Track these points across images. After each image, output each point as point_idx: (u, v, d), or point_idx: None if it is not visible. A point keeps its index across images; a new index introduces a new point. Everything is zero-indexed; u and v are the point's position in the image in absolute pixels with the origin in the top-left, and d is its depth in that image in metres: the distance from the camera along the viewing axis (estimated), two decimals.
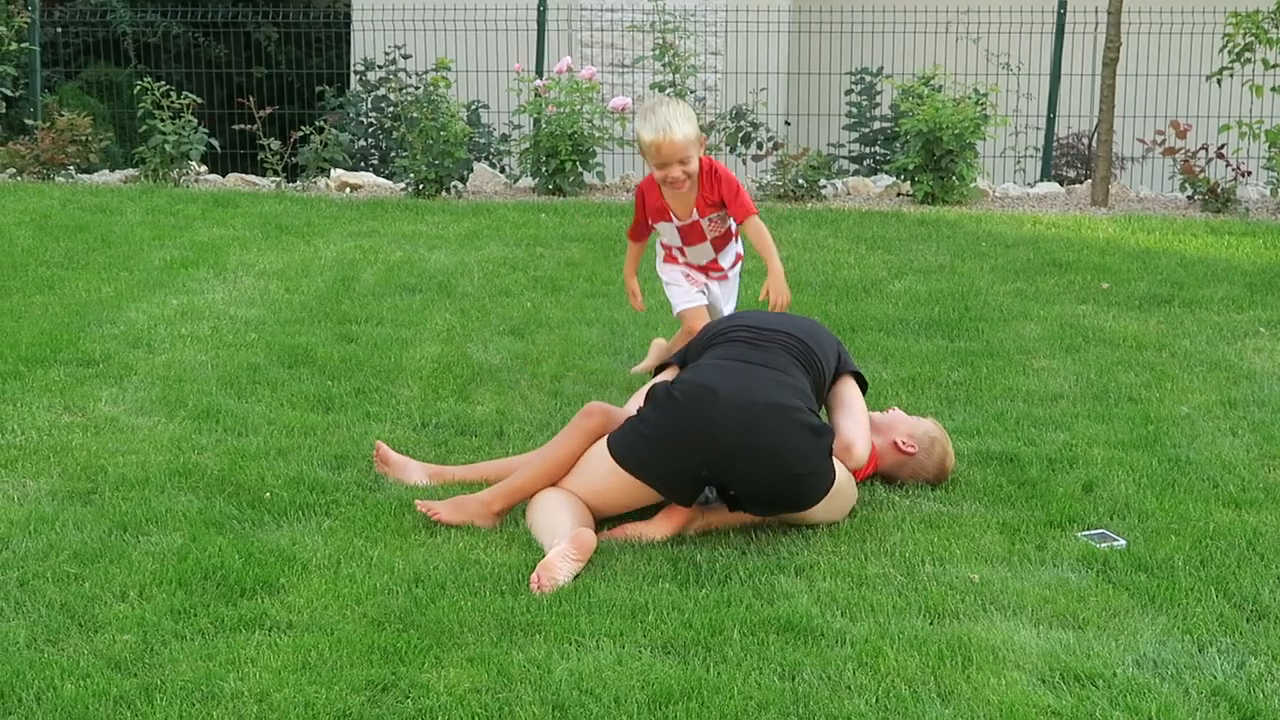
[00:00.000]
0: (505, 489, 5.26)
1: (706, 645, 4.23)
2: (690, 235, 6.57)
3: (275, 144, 13.08)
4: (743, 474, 5.04)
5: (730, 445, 4.98)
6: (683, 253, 6.66)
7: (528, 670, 4.06)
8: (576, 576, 4.71)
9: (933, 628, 4.38)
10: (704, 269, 6.70)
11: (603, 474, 5.19)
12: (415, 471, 5.56)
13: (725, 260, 6.71)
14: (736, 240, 6.72)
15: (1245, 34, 12.63)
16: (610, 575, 4.70)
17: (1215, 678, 4.09)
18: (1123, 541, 5.07)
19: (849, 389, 5.63)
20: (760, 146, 13.54)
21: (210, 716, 3.80)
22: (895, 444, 5.68)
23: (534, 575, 4.70)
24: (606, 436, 5.24)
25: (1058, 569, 4.84)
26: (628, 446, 5.14)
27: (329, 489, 5.44)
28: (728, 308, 6.72)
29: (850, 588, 4.66)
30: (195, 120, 13.02)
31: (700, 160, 6.35)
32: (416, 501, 5.21)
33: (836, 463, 5.24)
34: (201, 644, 4.20)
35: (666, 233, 6.62)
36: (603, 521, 5.17)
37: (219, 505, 5.24)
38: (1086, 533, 5.16)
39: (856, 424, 5.48)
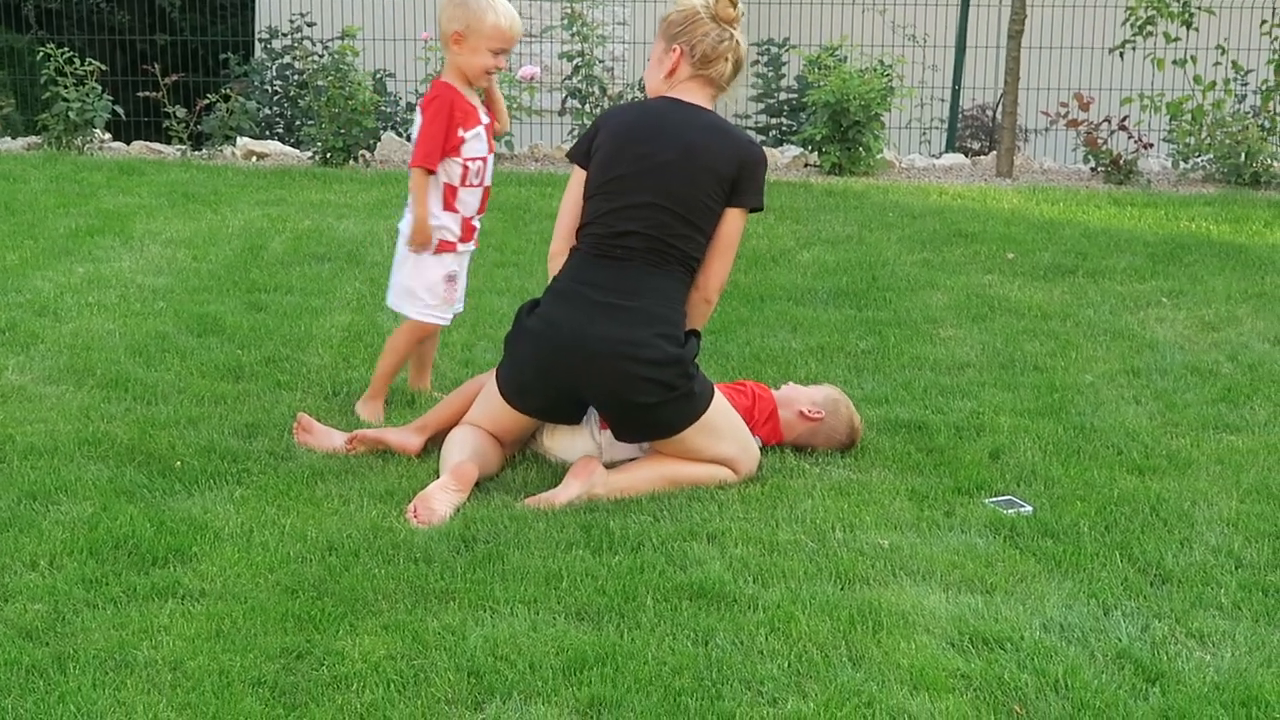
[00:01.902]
0: (421, 419, 5.63)
1: (620, 611, 4.26)
2: (489, 137, 6.00)
3: (180, 112, 12.96)
4: (598, 405, 5.30)
5: (577, 382, 5.21)
6: (481, 173, 5.93)
7: (442, 637, 4.07)
8: (459, 509, 4.97)
9: (843, 593, 4.43)
10: (481, 206, 6.02)
11: (496, 403, 5.39)
12: (337, 438, 5.59)
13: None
14: None
15: (1147, 8, 12.75)
16: (524, 543, 4.72)
17: (1120, 640, 4.16)
18: (1029, 508, 5.14)
19: (723, 228, 5.33)
20: None
21: (124, 685, 3.79)
22: (801, 413, 5.73)
23: (410, 506, 4.93)
24: (496, 366, 5.45)
25: (966, 535, 4.90)
26: (505, 376, 5.36)
27: (240, 457, 5.43)
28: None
29: (762, 554, 4.70)
30: (99, 87, 12.86)
31: None
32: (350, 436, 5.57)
33: (721, 400, 5.39)
34: (114, 613, 4.18)
35: (476, 141, 5.91)
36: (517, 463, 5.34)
37: (129, 474, 5.21)
38: (994, 499, 5.22)
39: (714, 271, 5.34)
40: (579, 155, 5.44)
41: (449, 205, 5.91)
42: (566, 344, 5.17)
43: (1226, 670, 4.02)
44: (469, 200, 5.95)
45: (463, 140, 5.85)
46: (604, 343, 5.12)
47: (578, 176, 5.43)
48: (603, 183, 5.32)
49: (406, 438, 5.54)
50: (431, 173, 5.83)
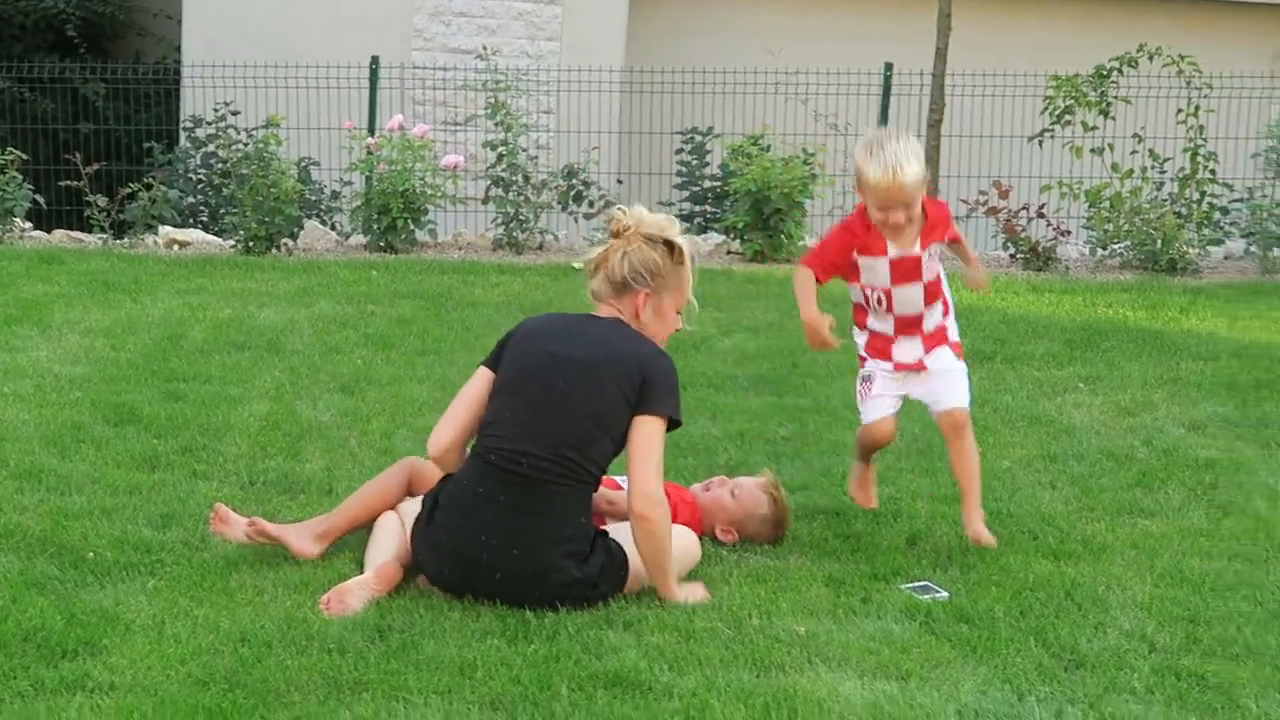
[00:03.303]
0: (326, 524, 5.46)
1: (535, 701, 4.24)
2: (904, 272, 5.68)
3: (102, 200, 12.90)
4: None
5: (485, 594, 5.00)
6: (883, 303, 5.74)
7: None
8: (376, 602, 4.91)
9: (759, 680, 4.42)
10: (897, 334, 5.79)
11: None
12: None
13: (930, 322, 5.77)
14: (947, 306, 5.84)
15: (1065, 97, 12.97)
16: (439, 632, 4.69)
17: None
18: (945, 593, 5.16)
19: (635, 436, 5.09)
20: (592, 204, 13.61)
21: None
22: (715, 533, 5.69)
23: (325, 597, 4.88)
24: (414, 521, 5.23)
25: (882, 621, 4.91)
26: (416, 548, 5.18)
27: (154, 548, 5.38)
28: (946, 401, 5.83)
29: (678, 641, 4.69)
30: (20, 176, 12.80)
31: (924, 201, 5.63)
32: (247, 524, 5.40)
33: (680, 530, 5.27)
34: (21, 707, 4.13)
35: (871, 271, 5.71)
36: None
37: (40, 566, 5.16)
38: (910, 585, 5.24)
39: (635, 482, 5.08)
40: (491, 359, 5.30)
41: (859, 323, 5.86)
42: (470, 566, 4.99)
43: None
44: (878, 326, 5.80)
45: (857, 266, 5.71)
46: (509, 569, 4.94)
47: (483, 375, 5.28)
48: (510, 379, 5.19)
49: (306, 545, 5.37)
50: (819, 281, 5.78)
